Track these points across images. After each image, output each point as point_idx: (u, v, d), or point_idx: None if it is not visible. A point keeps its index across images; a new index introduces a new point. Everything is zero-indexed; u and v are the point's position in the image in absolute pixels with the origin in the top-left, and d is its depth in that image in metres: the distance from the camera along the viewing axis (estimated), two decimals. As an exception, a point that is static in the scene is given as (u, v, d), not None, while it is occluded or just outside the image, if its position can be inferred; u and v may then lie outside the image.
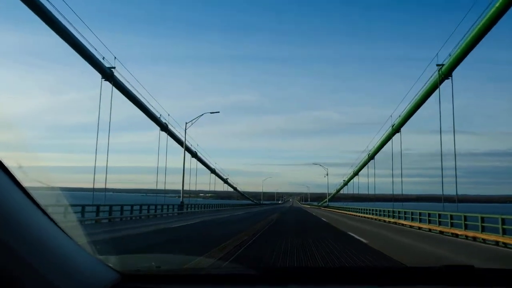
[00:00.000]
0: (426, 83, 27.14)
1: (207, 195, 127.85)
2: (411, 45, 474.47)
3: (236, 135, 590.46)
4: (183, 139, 41.81)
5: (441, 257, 10.76)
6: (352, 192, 65.81)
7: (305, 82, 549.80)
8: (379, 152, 43.72)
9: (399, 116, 34.00)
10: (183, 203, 38.94)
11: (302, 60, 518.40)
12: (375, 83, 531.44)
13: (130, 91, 30.11)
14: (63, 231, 1.32)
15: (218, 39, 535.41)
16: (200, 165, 55.74)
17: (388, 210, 29.94)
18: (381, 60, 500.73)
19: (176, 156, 75.84)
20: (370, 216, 35.50)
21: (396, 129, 35.03)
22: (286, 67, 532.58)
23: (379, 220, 31.15)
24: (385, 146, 41.27)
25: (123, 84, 28.91)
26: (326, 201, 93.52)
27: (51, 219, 1.28)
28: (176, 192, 47.36)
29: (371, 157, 46.76)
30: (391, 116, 35.90)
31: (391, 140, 36.35)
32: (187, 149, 47.59)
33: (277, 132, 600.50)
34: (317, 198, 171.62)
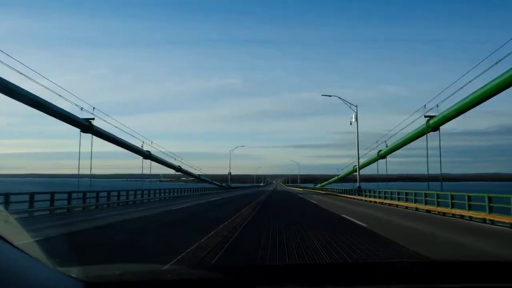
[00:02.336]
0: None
1: (190, 179, 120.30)
2: (397, 25, 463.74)
3: (219, 119, 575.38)
4: (121, 134, 32.87)
5: None
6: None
7: (288, 65, 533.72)
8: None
9: (436, 106, 25.16)
10: None
11: (285, 42, 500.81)
12: (358, 64, 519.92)
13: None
14: (11, 244, 1.24)
15: (198, 22, 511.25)
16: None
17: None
18: (364, 41, 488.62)
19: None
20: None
21: (434, 127, 26.33)
22: (269, 50, 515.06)
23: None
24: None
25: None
26: (352, 175, 49.93)
27: None
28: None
29: (383, 155, 38.02)
30: (424, 106, 27.13)
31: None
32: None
33: (260, 115, 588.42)
34: (305, 180, 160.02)
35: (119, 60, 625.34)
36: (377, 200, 30.86)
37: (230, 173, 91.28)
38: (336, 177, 61.74)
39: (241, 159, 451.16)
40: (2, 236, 1.21)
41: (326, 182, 69.70)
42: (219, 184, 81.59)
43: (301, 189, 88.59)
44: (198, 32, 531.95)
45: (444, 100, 24.24)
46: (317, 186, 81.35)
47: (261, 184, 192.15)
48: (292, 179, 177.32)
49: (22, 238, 1.61)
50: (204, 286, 1.74)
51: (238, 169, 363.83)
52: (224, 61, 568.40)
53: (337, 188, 53.42)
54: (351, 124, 40.26)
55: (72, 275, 1.49)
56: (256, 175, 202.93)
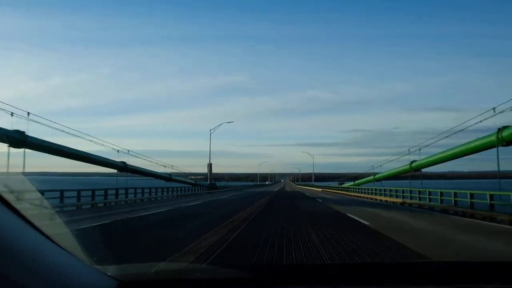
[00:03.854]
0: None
1: (197, 177, 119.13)
2: (401, 21, 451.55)
3: (226, 117, 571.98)
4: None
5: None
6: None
7: (294, 63, 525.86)
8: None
9: (419, 150, 23.52)
10: None
11: (290, 39, 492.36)
12: (365, 61, 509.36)
13: None
14: (53, 241, 1.29)
15: (204, 19, 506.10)
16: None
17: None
18: (370, 37, 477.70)
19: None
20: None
21: (416, 169, 25.36)
22: (275, 48, 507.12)
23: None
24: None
25: None
26: None
27: (37, 229, 1.24)
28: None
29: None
30: (408, 150, 25.36)
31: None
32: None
33: (268, 114, 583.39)
34: (316, 179, 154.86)
35: (125, 59, 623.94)
36: None
37: (210, 164, 58.52)
38: (384, 172, 37.56)
39: (248, 157, 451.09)
40: (47, 235, 1.26)
41: (371, 177, 41.51)
42: (193, 182, 53.48)
43: (321, 190, 58.89)
44: (204, 29, 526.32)
45: (426, 146, 23.80)
46: (345, 185, 52.16)
47: (266, 183, 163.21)
48: (302, 178, 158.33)
49: (62, 232, 1.71)
50: (236, 285, 1.79)
51: (245, 168, 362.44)
52: (230, 58, 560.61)
53: (405, 188, 25.12)
54: None
55: (109, 274, 1.53)
56: (263, 174, 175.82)
